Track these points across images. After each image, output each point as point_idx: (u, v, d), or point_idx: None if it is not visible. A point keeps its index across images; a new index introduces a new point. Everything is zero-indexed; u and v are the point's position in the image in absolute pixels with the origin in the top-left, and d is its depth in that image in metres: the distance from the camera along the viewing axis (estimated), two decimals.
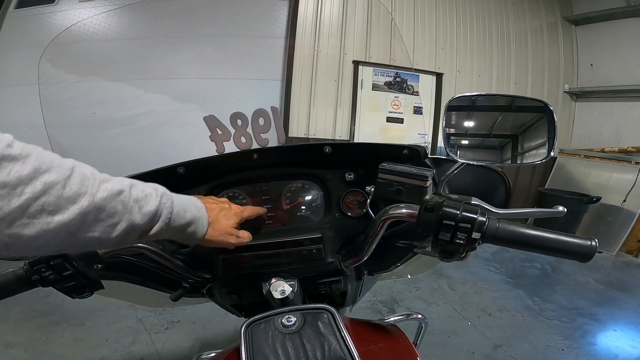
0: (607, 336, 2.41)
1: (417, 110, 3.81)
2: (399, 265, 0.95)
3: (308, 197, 0.88)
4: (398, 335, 0.80)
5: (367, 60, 3.68)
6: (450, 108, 0.72)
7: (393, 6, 3.77)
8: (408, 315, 0.97)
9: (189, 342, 2.20)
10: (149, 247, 0.70)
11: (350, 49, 3.67)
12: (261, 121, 0.84)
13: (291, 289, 0.74)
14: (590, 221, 4.05)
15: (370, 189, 0.78)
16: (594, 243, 0.53)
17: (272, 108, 0.85)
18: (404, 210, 0.64)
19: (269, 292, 0.74)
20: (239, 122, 0.82)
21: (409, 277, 1.10)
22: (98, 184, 0.42)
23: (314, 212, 0.87)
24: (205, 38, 3.49)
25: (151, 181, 0.74)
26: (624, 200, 3.91)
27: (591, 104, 4.68)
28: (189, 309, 2.48)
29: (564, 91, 4.69)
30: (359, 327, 0.76)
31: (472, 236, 0.55)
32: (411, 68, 3.85)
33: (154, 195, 0.50)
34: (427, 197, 0.65)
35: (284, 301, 0.74)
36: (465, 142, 0.74)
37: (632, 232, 3.84)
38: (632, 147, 4.09)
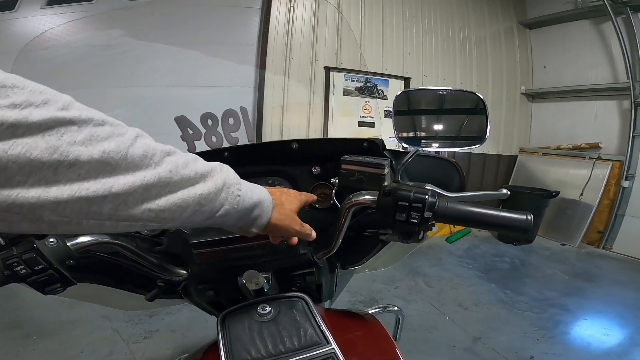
0: (579, 325, 2.49)
1: (388, 114, 3.83)
2: (369, 257, 0.97)
3: None
4: (373, 323, 0.83)
5: (338, 66, 3.69)
6: (398, 103, 0.76)
7: (363, 13, 3.78)
8: (384, 307, 1.00)
9: (170, 350, 2.12)
10: (123, 243, 0.69)
11: (322, 55, 3.67)
12: (231, 121, 0.86)
13: (265, 280, 0.75)
14: (552, 215, 4.19)
15: (335, 180, 0.82)
16: (529, 217, 0.58)
17: (242, 108, 0.87)
18: (366, 197, 0.68)
19: (244, 284, 0.75)
20: (210, 122, 0.84)
21: (382, 269, 1.24)
22: (162, 157, 0.39)
23: None
24: (177, 45, 3.37)
25: None
26: (581, 194, 4.08)
27: (546, 104, 4.88)
28: (167, 317, 2.40)
29: (521, 92, 4.87)
30: (335, 316, 0.77)
31: (425, 215, 0.59)
32: (380, 73, 3.86)
33: (218, 169, 0.46)
34: (385, 184, 0.69)
35: (259, 293, 0.75)
36: (414, 132, 0.80)
37: (591, 224, 4.01)
38: (586, 144, 4.27)
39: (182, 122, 0.82)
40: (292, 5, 3.55)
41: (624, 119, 4.03)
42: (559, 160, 4.47)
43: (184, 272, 0.79)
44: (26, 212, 0.30)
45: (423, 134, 0.81)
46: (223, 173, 0.47)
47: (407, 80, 3.97)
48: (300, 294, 0.72)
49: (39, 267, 0.60)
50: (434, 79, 4.27)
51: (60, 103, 0.32)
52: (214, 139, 0.83)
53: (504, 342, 2.24)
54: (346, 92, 3.69)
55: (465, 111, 0.80)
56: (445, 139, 0.81)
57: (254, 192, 0.52)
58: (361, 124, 3.69)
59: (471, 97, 0.80)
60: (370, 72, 3.80)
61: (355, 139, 0.85)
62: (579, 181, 4.13)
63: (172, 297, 0.89)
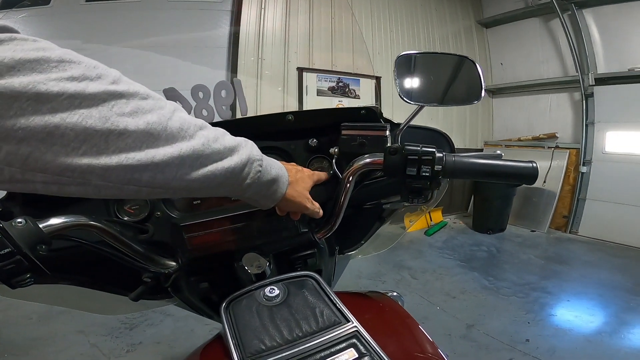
0: (563, 307, 2.56)
1: None
2: (367, 238, 0.97)
3: None
4: (389, 302, 0.80)
5: (310, 67, 3.66)
6: (399, 65, 0.77)
7: (333, 15, 3.76)
8: (384, 293, 0.96)
9: None
10: (103, 226, 0.61)
11: (294, 56, 3.62)
12: (223, 94, 0.81)
13: (267, 262, 0.70)
14: (520, 204, 4.35)
15: (334, 149, 0.80)
16: (534, 165, 0.59)
17: (235, 80, 0.83)
18: (369, 160, 0.67)
19: (243, 269, 0.69)
20: (201, 94, 0.79)
21: (374, 253, 1.12)
22: (195, 130, 0.41)
23: None
24: (143, 48, 3.18)
25: None
26: (544, 182, 4.26)
27: (505, 99, 5.09)
28: (149, 329, 2.23)
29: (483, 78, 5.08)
30: (345, 295, 0.72)
31: (435, 168, 0.59)
32: (351, 73, 3.84)
33: (243, 145, 0.48)
34: (388, 145, 0.68)
35: (260, 278, 0.69)
36: (416, 91, 0.80)
37: (556, 210, 4.19)
38: (543, 135, 4.49)
39: (170, 93, 0.76)
40: (262, 7, 3.48)
41: (577, 109, 4.28)
42: (520, 151, 4.66)
43: (173, 263, 0.71)
44: (77, 176, 0.33)
45: (424, 94, 0.81)
46: (248, 148, 0.48)
47: (378, 79, 3.99)
48: (308, 272, 0.67)
49: (5, 250, 0.49)
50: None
51: (111, 77, 0.34)
52: (204, 112, 0.79)
53: (497, 327, 2.26)
54: (319, 92, 3.66)
55: (461, 72, 0.82)
56: (445, 97, 0.82)
57: (273, 168, 0.53)
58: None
59: (464, 60, 0.82)
60: (342, 72, 3.78)
61: (353, 107, 0.85)
62: (541, 170, 4.22)
63: (158, 296, 0.81)
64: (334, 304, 0.59)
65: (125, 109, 0.34)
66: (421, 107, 0.77)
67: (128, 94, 0.35)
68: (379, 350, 0.51)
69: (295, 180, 0.60)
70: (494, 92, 5.13)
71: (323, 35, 3.71)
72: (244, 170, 0.47)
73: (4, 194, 0.66)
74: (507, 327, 2.26)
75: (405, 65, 0.78)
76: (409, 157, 0.60)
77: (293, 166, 0.65)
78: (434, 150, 0.60)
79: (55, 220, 0.56)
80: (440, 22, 4.71)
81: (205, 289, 0.75)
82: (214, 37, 3.45)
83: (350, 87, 3.81)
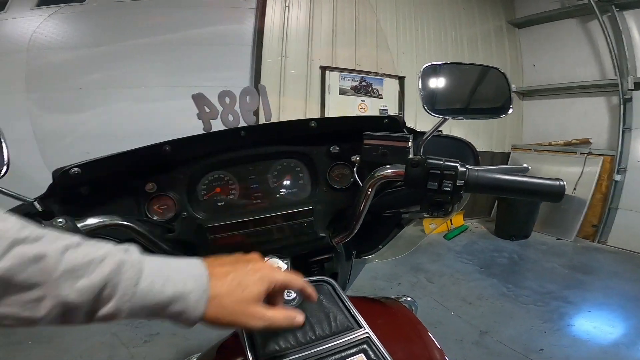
0: (583, 317, 2.49)
1: (383, 112, 3.85)
2: (385, 244, 0.97)
3: (294, 175, 0.88)
4: (400, 309, 0.81)
5: (333, 66, 3.68)
6: (424, 75, 0.77)
7: (357, 13, 3.79)
8: (397, 298, 0.97)
9: (171, 354, 2.05)
10: (134, 225, 0.65)
11: (318, 54, 3.65)
12: (248, 99, 0.81)
13: (286, 266, 0.73)
14: (547, 211, 4.23)
15: (355, 158, 0.80)
16: (562, 183, 0.57)
17: (260, 86, 0.84)
18: (390, 171, 0.66)
19: None
20: (227, 100, 0.79)
21: (391, 258, 1.19)
22: (6, 248, 0.32)
23: (302, 189, 0.88)
24: (172, 46, 3.33)
25: (136, 160, 0.69)
26: (574, 189, 4.12)
27: (537, 101, 4.94)
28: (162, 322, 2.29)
29: (512, 91, 4.93)
30: (360, 301, 0.73)
31: (457, 183, 0.59)
32: (376, 72, 3.86)
33: (107, 262, 0.36)
34: (410, 156, 0.68)
35: None
36: (441, 103, 0.79)
37: (585, 218, 4.04)
38: (576, 140, 4.33)
39: (198, 99, 0.78)
40: (286, 5, 3.54)
41: (613, 114, 4.10)
42: (551, 156, 4.52)
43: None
44: None
45: (449, 105, 0.80)
46: (112, 262, 0.37)
47: (401, 79, 3.98)
48: (325, 277, 0.69)
49: None
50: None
51: None
52: (230, 117, 0.79)
53: (512, 335, 2.22)
54: (342, 91, 3.68)
55: (488, 84, 0.81)
56: (470, 110, 0.81)
57: (169, 284, 0.40)
58: None
59: (492, 71, 0.80)
60: (365, 72, 3.80)
61: (376, 116, 0.84)
62: (572, 176, 4.16)
63: None
64: (348, 310, 0.61)
65: None
66: (445, 120, 0.76)
67: None
68: (388, 357, 0.53)
69: (228, 292, 0.44)
70: (525, 94, 4.99)
71: (347, 34, 3.72)
72: (101, 295, 0.36)
73: (42, 193, 0.69)
74: (522, 335, 2.22)
75: (430, 75, 0.78)
76: (431, 170, 0.60)
77: (235, 266, 0.48)
78: (457, 165, 0.59)
79: (92, 220, 0.60)
80: (469, 22, 4.61)
81: None
82: (240, 35, 3.56)
83: (373, 87, 3.81)
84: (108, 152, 0.70)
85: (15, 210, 0.64)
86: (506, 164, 4.85)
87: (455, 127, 4.28)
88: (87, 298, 0.35)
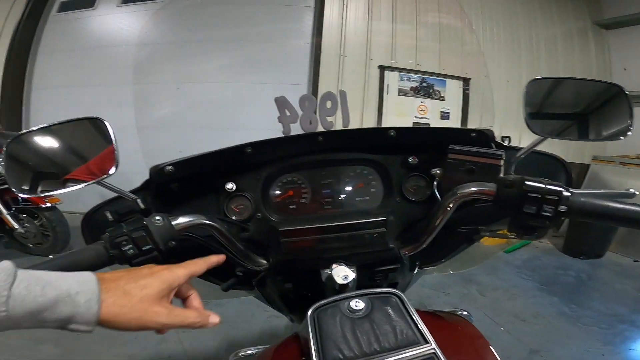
0: None
1: (444, 116, 3.83)
2: (451, 257, 0.95)
3: (367, 183, 0.88)
4: (465, 324, 0.79)
5: (392, 65, 3.74)
6: (529, 90, 0.74)
7: (418, 12, 3.89)
8: (452, 311, 0.95)
9: (216, 341, 2.23)
10: (217, 225, 0.70)
11: (377, 54, 3.74)
12: (328, 104, 0.85)
13: (354, 275, 0.74)
14: (625, 230, 3.95)
15: (436, 171, 0.79)
16: None
17: (341, 92, 0.86)
18: (477, 189, 0.64)
19: (330, 277, 0.74)
20: (307, 104, 0.84)
21: (451, 272, 1.12)
22: None
23: (373, 198, 0.88)
24: (235, 43, 3.68)
25: (221, 160, 0.78)
26: None
27: None
28: (216, 308, 2.47)
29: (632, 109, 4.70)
30: (424, 314, 0.73)
31: (559, 209, 0.56)
32: (437, 73, 3.92)
33: None
34: (502, 175, 0.66)
35: (344, 287, 0.73)
36: (545, 120, 0.76)
37: None
38: None
39: (281, 103, 0.83)
40: (344, 3, 3.67)
41: None
42: (638, 170, 4.25)
43: (265, 262, 0.80)
44: None
45: (555, 124, 0.77)
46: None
47: (466, 81, 4.00)
48: (394, 290, 0.68)
49: (147, 247, 0.58)
50: (497, 80, 4.16)
51: None
52: (309, 122, 0.84)
53: (565, 356, 2.14)
54: (401, 92, 3.71)
55: (604, 102, 0.76)
56: (580, 130, 0.77)
57: (50, 287, 0.40)
58: (415, 124, 3.68)
59: (610, 87, 0.76)
60: (426, 72, 3.86)
61: (462, 128, 0.85)
62: None
63: (245, 288, 0.89)
64: (415, 323, 0.61)
65: None
66: (544, 138, 0.72)
67: None
68: None
69: (125, 292, 0.45)
70: None
71: (407, 33, 3.77)
72: None
73: (137, 187, 0.77)
74: (576, 356, 2.13)
75: (537, 90, 0.74)
76: (530, 194, 0.57)
77: (132, 272, 0.49)
78: (562, 189, 0.56)
79: (183, 219, 0.65)
80: (546, 22, 4.42)
81: (289, 289, 0.84)
82: (299, 32, 3.75)
83: (434, 88, 3.81)
84: (194, 151, 0.77)
85: (116, 205, 0.70)
86: (584, 178, 4.64)
87: (526, 134, 4.21)
88: None
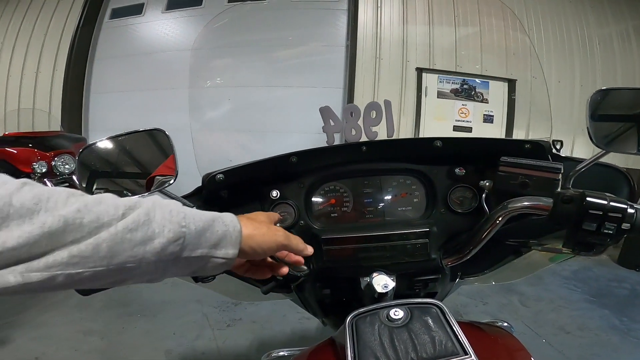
0: None
1: (487, 119, 3.75)
2: (495, 268, 0.94)
3: (410, 193, 0.89)
4: (507, 336, 0.78)
5: (431, 67, 3.72)
6: (593, 102, 0.71)
7: (456, 13, 3.82)
8: (493, 322, 0.94)
9: (249, 340, 2.31)
10: None
11: (413, 55, 3.73)
12: (373, 114, 0.85)
13: (393, 284, 0.74)
14: None
15: (485, 183, 0.78)
16: None
17: (386, 102, 0.86)
18: (530, 203, 0.63)
19: (370, 285, 0.75)
20: (352, 114, 0.85)
21: (494, 283, 1.09)
22: (64, 197, 0.36)
23: (415, 208, 0.88)
24: (272, 48, 3.78)
25: (267, 168, 0.83)
26: None
27: None
28: (250, 308, 2.62)
29: None
30: (466, 325, 0.73)
31: (622, 227, 0.54)
32: (479, 74, 3.83)
33: (144, 200, 0.43)
34: (559, 190, 0.63)
35: (383, 296, 0.74)
36: (610, 134, 0.73)
37: None
38: None
39: (325, 112, 0.84)
40: (378, 5, 3.68)
41: None
42: None
43: (305, 267, 0.80)
44: None
45: (623, 137, 0.73)
46: (150, 200, 0.42)
47: (511, 82, 3.88)
48: (435, 300, 0.68)
49: None
50: (546, 81, 4.10)
51: None
52: (353, 132, 0.84)
53: None
54: (440, 95, 3.68)
55: None
56: None
57: (203, 214, 0.46)
58: (456, 128, 3.65)
59: None
60: (467, 74, 3.79)
61: (515, 139, 0.81)
62: None
63: (283, 291, 0.90)
64: (455, 334, 0.60)
65: None
66: (603, 153, 0.69)
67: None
68: None
69: (247, 217, 0.57)
70: None
71: (446, 33, 3.75)
72: (153, 225, 0.40)
73: (189, 192, 0.81)
74: None
75: (602, 100, 0.72)
76: (590, 210, 0.55)
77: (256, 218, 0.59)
78: (626, 207, 0.54)
79: None
80: (598, 21, 4.24)
81: (326, 295, 0.86)
82: (334, 36, 3.83)
83: (477, 90, 3.75)
84: (245, 160, 0.80)
85: None
86: None
87: (580, 138, 3.97)
88: (144, 226, 0.40)
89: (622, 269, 3.64)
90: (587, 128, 0.70)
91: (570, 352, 2.26)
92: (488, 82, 3.76)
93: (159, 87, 4.12)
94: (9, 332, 2.28)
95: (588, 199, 0.55)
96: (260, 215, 0.61)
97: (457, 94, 3.72)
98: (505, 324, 0.95)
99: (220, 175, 0.78)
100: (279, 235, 0.57)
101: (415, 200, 0.89)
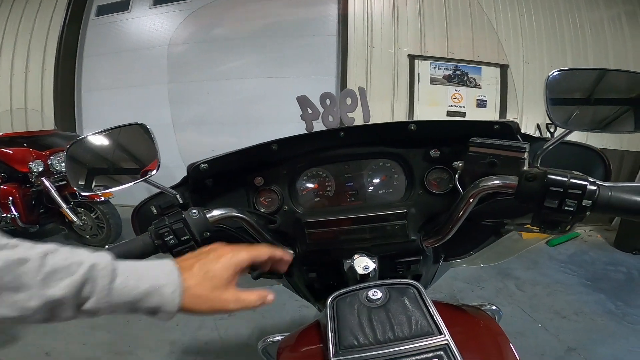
0: None
1: (481, 104, 3.79)
2: (478, 250, 0.97)
3: (389, 176, 0.92)
4: (485, 318, 0.81)
5: (423, 54, 3.76)
6: (551, 82, 0.73)
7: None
8: (481, 305, 0.96)
9: (249, 329, 2.40)
10: (246, 217, 0.77)
11: (405, 43, 3.77)
12: (348, 101, 0.89)
13: (374, 265, 0.78)
14: None
15: (458, 164, 0.79)
16: None
17: (360, 89, 0.90)
18: (498, 182, 0.65)
19: (352, 267, 0.78)
20: (328, 102, 0.89)
21: (481, 265, 1.11)
22: None
23: (396, 190, 0.92)
24: (262, 39, 3.79)
25: (249, 157, 0.82)
26: None
27: None
28: None
29: None
30: (442, 306, 0.76)
31: (583, 204, 0.54)
32: (471, 60, 3.86)
33: (84, 263, 0.43)
34: (525, 169, 0.66)
35: (365, 277, 0.77)
36: (570, 113, 0.76)
37: None
38: None
39: (302, 101, 0.88)
40: None
41: None
42: None
43: (291, 251, 0.84)
44: None
45: (581, 116, 0.76)
46: (86, 266, 0.43)
47: (504, 68, 3.91)
48: (412, 281, 0.71)
49: (185, 237, 0.66)
50: (538, 66, 4.09)
51: None
52: (330, 118, 0.88)
53: (605, 355, 2.11)
54: (433, 81, 3.73)
55: (635, 93, 0.75)
56: (611, 122, 0.76)
57: (144, 280, 0.47)
58: (450, 113, 3.69)
59: None
60: (459, 60, 3.80)
61: (485, 120, 0.83)
62: None
63: (274, 277, 0.94)
64: (430, 315, 0.63)
65: None
66: (567, 132, 0.72)
67: None
68: None
69: (199, 282, 0.52)
70: None
71: (436, 19, 3.76)
72: (83, 291, 0.42)
73: (176, 183, 0.86)
74: (616, 356, 2.09)
75: (560, 83, 0.74)
76: (551, 188, 0.56)
77: (202, 257, 0.55)
78: (586, 183, 0.55)
79: (217, 212, 0.72)
80: (589, 5, 4.26)
81: (313, 278, 0.89)
82: (324, 24, 3.79)
83: (469, 76, 3.79)
84: (228, 149, 0.84)
85: (160, 199, 0.81)
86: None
87: None
88: (70, 295, 0.41)
89: (619, 252, 3.69)
90: (546, 106, 0.72)
91: (566, 337, 2.31)
92: (480, 67, 3.79)
93: (149, 83, 4.14)
94: (18, 329, 2.36)
95: (549, 176, 0.57)
96: (220, 271, 0.55)
97: (449, 79, 3.77)
98: (494, 307, 0.98)
99: (205, 165, 0.82)
100: (229, 303, 0.54)
101: (395, 182, 0.92)
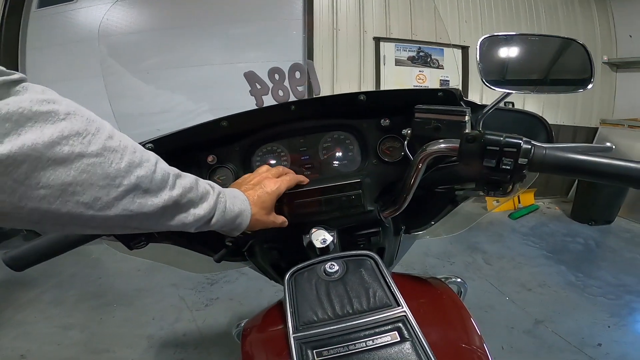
0: None
1: (444, 84, 3.87)
2: (437, 220, 0.98)
3: (344, 147, 0.93)
4: (444, 289, 0.81)
5: (388, 37, 3.77)
6: (483, 46, 0.76)
7: None
8: (446, 278, 0.98)
9: (227, 318, 2.39)
10: None
11: (370, 25, 3.77)
12: (297, 75, 0.88)
13: (332, 238, 0.78)
14: (637, 195, 3.99)
15: (407, 131, 0.82)
16: None
17: (308, 62, 0.92)
18: (443, 145, 0.67)
19: (310, 242, 0.78)
20: (277, 76, 0.87)
21: (444, 235, 1.14)
22: (174, 180, 0.50)
23: (351, 162, 0.93)
24: (224, 24, 3.67)
25: (198, 135, 0.87)
26: None
27: (633, 74, 4.60)
28: (226, 286, 2.70)
29: (603, 62, 4.65)
30: (403, 279, 0.77)
31: (519, 162, 0.56)
32: (433, 42, 3.90)
33: (211, 192, 0.58)
34: (467, 131, 0.67)
35: (324, 251, 0.77)
36: (504, 76, 0.78)
37: None
38: None
39: (250, 77, 0.86)
40: None
41: None
42: None
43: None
44: (82, 223, 0.40)
45: (515, 79, 0.79)
46: (215, 194, 0.58)
47: (465, 49, 3.97)
48: (369, 252, 0.72)
49: None
50: None
51: (106, 131, 0.41)
52: (280, 93, 0.87)
53: (570, 327, 2.19)
54: (398, 62, 3.75)
55: (564, 57, 0.79)
56: (541, 82, 0.79)
57: (236, 205, 0.62)
58: None
59: (570, 43, 0.79)
60: (422, 42, 3.85)
61: (430, 89, 0.85)
62: None
63: (237, 259, 0.97)
64: (388, 286, 0.64)
65: (121, 165, 0.41)
66: (509, 93, 0.74)
67: (120, 148, 0.41)
68: (422, 337, 0.55)
69: (258, 207, 0.68)
70: (619, 65, 4.64)
71: (400, 2, 3.78)
72: (211, 214, 0.57)
73: None
74: (581, 328, 2.17)
75: (491, 48, 0.76)
76: (488, 147, 0.58)
77: (254, 188, 0.71)
78: (520, 141, 0.57)
79: None
80: None
81: (275, 256, 0.89)
82: (290, 8, 3.78)
83: (432, 57, 3.83)
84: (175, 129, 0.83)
85: None
86: (592, 141, 4.62)
87: (530, 99, 4.17)
88: (208, 214, 0.56)
89: (575, 224, 3.87)
90: (478, 69, 0.76)
91: (532, 309, 2.41)
92: (442, 49, 3.84)
93: (98, 75, 3.89)
94: None
95: (486, 136, 0.58)
96: (268, 199, 0.71)
97: (414, 61, 3.80)
98: (459, 280, 1.00)
99: (150, 144, 0.79)
100: (268, 222, 0.72)
101: (350, 154, 0.93)
